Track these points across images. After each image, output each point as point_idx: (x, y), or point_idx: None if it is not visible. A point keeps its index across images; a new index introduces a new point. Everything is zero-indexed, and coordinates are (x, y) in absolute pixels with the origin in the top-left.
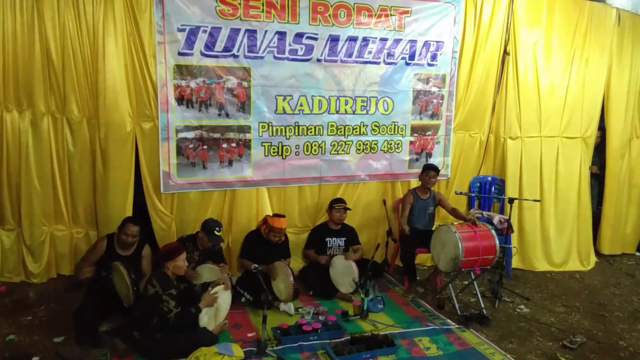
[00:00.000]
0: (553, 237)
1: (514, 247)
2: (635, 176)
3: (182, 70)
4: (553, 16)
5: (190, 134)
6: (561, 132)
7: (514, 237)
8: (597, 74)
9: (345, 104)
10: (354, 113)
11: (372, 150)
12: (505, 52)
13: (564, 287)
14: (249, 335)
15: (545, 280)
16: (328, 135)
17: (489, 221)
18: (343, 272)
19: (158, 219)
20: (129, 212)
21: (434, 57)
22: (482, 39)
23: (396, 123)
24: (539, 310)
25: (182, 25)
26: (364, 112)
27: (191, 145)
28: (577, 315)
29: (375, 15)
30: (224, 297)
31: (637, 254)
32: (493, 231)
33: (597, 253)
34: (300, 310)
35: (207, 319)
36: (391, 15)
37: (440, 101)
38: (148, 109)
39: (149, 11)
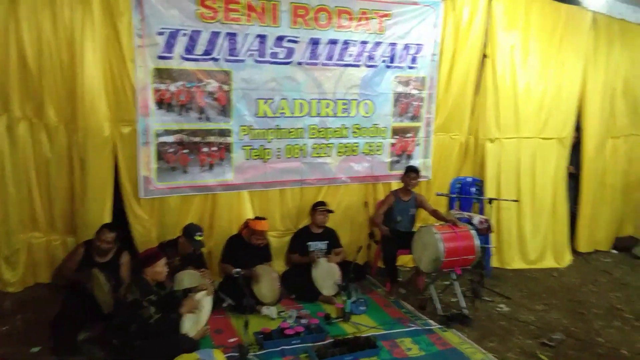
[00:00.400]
0: (529, 236)
1: (494, 246)
2: (609, 175)
3: (161, 74)
4: (530, 19)
5: (170, 138)
6: (538, 133)
7: (493, 236)
8: (573, 75)
9: (327, 107)
10: (335, 116)
11: (353, 153)
12: (484, 55)
13: (543, 286)
14: (231, 340)
15: (524, 279)
16: (309, 138)
17: (469, 222)
18: (325, 274)
19: (138, 224)
20: (108, 219)
21: (414, 60)
22: (461, 42)
23: (377, 125)
24: (519, 308)
25: (161, 28)
26: (345, 114)
27: (171, 150)
28: (555, 313)
29: (356, 18)
30: (206, 303)
31: (613, 251)
32: (473, 231)
33: (574, 251)
34: (282, 314)
35: (189, 325)
36: (371, 18)
37: (421, 103)
38: (127, 113)
39: (128, 15)
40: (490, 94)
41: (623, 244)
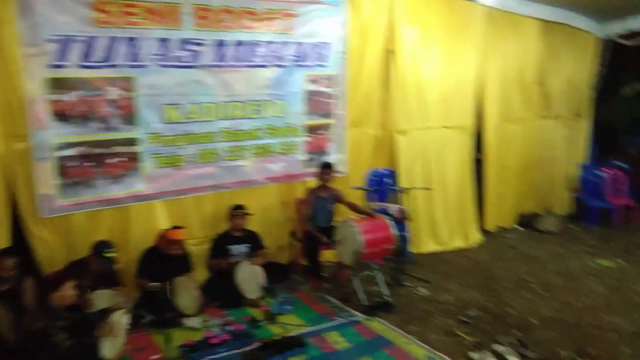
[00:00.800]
0: (441, 220)
1: (410, 234)
2: (509, 158)
3: (56, 84)
4: (430, 14)
5: (71, 152)
6: (443, 123)
7: (410, 224)
8: (472, 67)
9: (238, 109)
10: (247, 117)
11: (268, 153)
12: (389, 50)
13: (457, 266)
14: (154, 357)
15: (440, 261)
16: (222, 141)
17: (386, 212)
18: (249, 278)
19: (41, 246)
20: (6, 243)
21: (323, 58)
22: (367, 38)
23: (290, 125)
24: (437, 290)
25: (52, 35)
26: (258, 115)
27: (74, 163)
28: (470, 290)
29: (263, 18)
30: (123, 321)
31: (518, 227)
32: (390, 221)
33: (483, 230)
34: (206, 323)
35: (107, 347)
36: (278, 18)
37: (332, 100)
38: (20, 128)
39: (13, 22)
40: (397, 87)
41: (526, 220)
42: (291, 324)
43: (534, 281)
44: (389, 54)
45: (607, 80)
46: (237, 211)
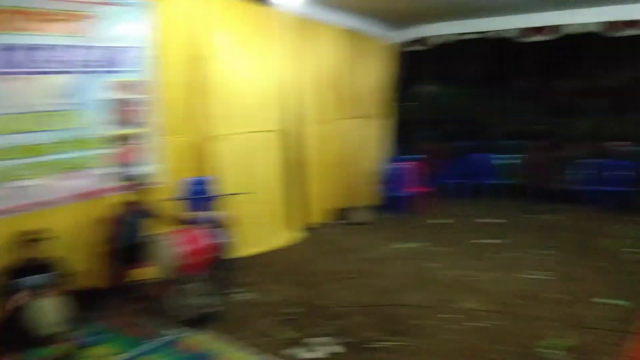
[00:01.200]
0: (262, 222)
1: (232, 240)
2: (326, 156)
3: None
4: (241, 21)
5: None
6: (259, 127)
7: (230, 230)
8: (283, 71)
9: (31, 121)
10: (38, 130)
11: (67, 169)
12: (203, 56)
13: (281, 266)
14: None
15: (265, 263)
16: (9, 159)
17: (205, 220)
18: (47, 311)
19: None
20: None
21: (130, 64)
22: (180, 43)
23: (94, 136)
24: (263, 292)
25: None
26: (51, 128)
27: None
28: (293, 288)
29: (58, 20)
30: None
31: (337, 222)
32: (209, 229)
33: (306, 227)
34: None
35: None
36: (76, 20)
37: (143, 108)
38: None
39: None
40: (211, 93)
41: (343, 214)
42: (104, 355)
43: (348, 270)
44: (203, 58)
45: (406, 82)
46: (29, 237)
